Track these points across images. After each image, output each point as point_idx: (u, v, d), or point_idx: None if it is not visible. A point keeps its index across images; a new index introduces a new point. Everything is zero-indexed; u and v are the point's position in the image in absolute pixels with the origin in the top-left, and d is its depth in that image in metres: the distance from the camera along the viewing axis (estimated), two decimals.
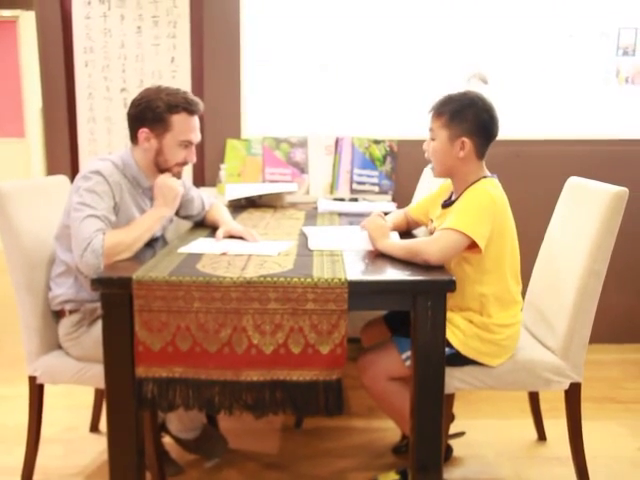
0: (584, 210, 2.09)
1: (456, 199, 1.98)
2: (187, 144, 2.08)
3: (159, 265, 1.76)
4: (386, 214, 2.21)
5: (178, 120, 2.04)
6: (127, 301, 1.66)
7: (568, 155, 3.41)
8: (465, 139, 1.92)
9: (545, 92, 3.43)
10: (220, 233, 2.13)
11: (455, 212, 1.90)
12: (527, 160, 3.43)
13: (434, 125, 1.98)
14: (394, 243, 1.92)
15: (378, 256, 1.90)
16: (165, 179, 2.07)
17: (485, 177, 1.96)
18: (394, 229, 2.21)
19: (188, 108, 2.05)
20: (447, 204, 2.03)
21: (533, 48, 3.40)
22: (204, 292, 1.64)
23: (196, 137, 2.10)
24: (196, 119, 2.09)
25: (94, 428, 2.58)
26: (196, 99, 2.09)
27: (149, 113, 2.02)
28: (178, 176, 2.13)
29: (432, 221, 2.11)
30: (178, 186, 2.06)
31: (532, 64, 3.41)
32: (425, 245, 1.80)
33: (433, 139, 1.99)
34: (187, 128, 2.06)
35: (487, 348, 1.97)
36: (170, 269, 1.72)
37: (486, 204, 1.87)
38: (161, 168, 2.10)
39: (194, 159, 2.13)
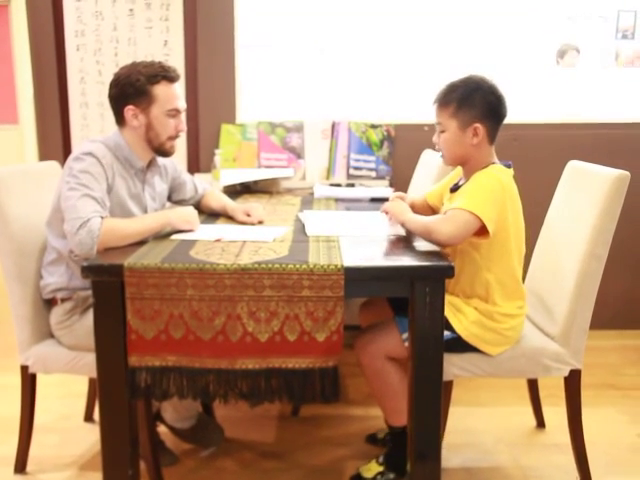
0: (585, 194, 2.05)
1: (464, 184, 1.95)
2: (174, 113, 2.05)
3: (151, 252, 1.72)
4: (386, 200, 2.17)
5: (160, 90, 2.02)
6: (119, 289, 1.63)
7: (566, 139, 3.36)
8: (478, 125, 1.88)
9: (543, 75, 3.39)
10: (242, 216, 2.16)
11: (464, 193, 1.87)
12: (525, 144, 3.38)
13: (441, 117, 1.93)
14: (416, 218, 1.89)
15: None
16: (194, 210, 2.04)
17: (494, 163, 1.93)
18: (419, 212, 2.16)
19: (167, 76, 2.03)
20: (455, 188, 1.99)
21: (531, 30, 3.34)
22: (197, 279, 1.60)
23: (182, 104, 2.09)
24: (177, 86, 2.07)
25: (88, 417, 2.55)
26: (172, 66, 2.07)
27: (130, 89, 2.00)
28: (172, 151, 2.10)
29: (443, 205, 2.08)
30: (197, 220, 2.02)
31: (531, 46, 3.36)
32: (436, 224, 1.78)
33: (443, 131, 1.94)
34: (171, 96, 2.04)
35: (489, 336, 1.94)
36: (162, 256, 1.68)
37: (495, 189, 1.84)
38: (154, 145, 2.06)
39: (184, 128, 2.11)
